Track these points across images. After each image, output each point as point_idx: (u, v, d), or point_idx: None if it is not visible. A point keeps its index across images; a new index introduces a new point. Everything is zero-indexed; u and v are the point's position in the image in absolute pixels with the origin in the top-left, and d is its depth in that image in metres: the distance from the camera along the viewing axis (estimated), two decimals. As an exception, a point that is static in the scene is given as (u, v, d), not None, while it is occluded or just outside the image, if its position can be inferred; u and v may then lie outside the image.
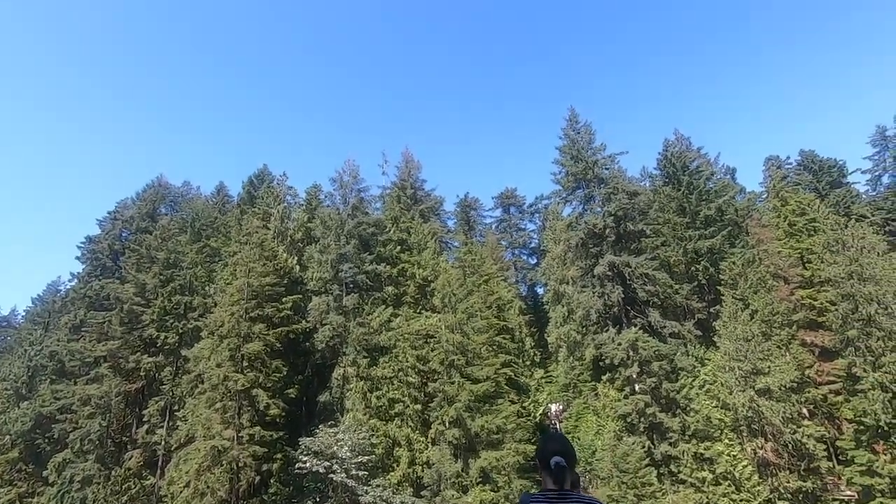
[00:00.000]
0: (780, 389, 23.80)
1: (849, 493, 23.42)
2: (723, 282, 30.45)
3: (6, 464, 29.52)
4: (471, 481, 23.00)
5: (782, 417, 23.41)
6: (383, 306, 30.16)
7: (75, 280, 43.53)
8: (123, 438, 30.11)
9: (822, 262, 27.12)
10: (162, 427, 28.60)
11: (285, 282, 29.36)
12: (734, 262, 30.63)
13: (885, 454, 21.13)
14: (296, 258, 32.33)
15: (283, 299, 28.07)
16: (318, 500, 22.54)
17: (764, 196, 44.10)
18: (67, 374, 34.06)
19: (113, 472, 25.59)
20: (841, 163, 47.66)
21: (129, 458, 26.90)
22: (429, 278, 32.68)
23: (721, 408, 25.72)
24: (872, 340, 22.44)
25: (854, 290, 23.69)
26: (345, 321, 28.95)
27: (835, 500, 22.99)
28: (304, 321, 29.15)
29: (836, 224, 28.15)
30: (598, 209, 33.52)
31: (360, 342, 27.97)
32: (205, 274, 34.96)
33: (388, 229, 35.46)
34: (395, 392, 26.37)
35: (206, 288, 33.40)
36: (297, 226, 35.73)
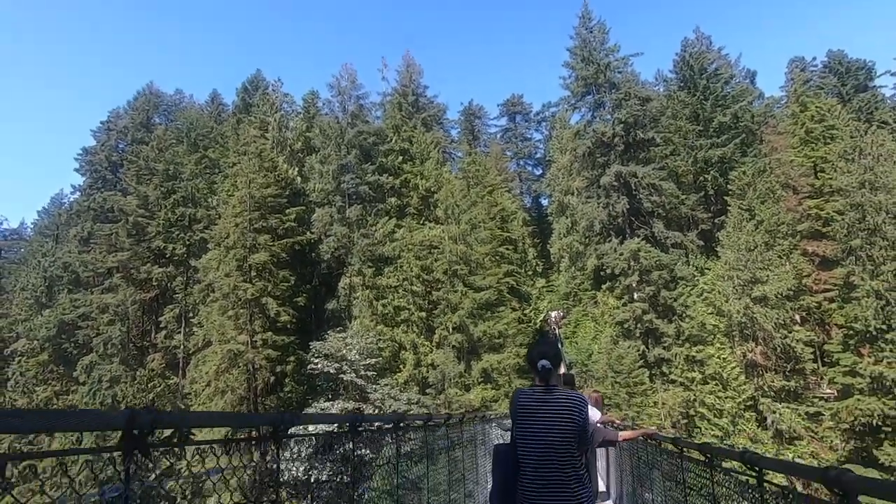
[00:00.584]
0: (776, 297, 24.36)
1: (828, 391, 24.91)
2: (730, 192, 29.99)
3: (38, 365, 31.55)
4: (473, 381, 24.49)
5: (775, 323, 24.22)
6: (386, 217, 30.16)
7: (78, 193, 43.48)
8: (144, 343, 31.81)
9: (835, 170, 26.43)
10: (179, 333, 30.08)
11: (287, 193, 29.14)
12: (744, 172, 29.92)
13: (870, 356, 22.09)
14: (296, 169, 31.80)
15: (286, 211, 28.04)
16: (330, 397, 24.19)
17: (783, 102, 41.96)
18: (83, 284, 35.18)
19: (137, 373, 27.36)
20: (870, 64, 44.74)
21: (152, 361, 28.62)
22: (432, 189, 32.28)
23: (716, 314, 26.54)
24: (875, 250, 22.50)
25: (864, 199, 23.31)
26: (349, 232, 29.13)
27: (815, 397, 24.44)
28: (308, 232, 29.36)
29: (856, 131, 27.03)
30: (608, 116, 32.12)
31: (364, 253, 28.38)
32: (206, 186, 34.66)
33: (389, 139, 34.41)
34: (401, 300, 27.21)
35: (209, 200, 33.28)
36: (296, 135, 34.72)
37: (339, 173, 30.12)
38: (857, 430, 21.55)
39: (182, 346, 28.95)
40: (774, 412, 23.46)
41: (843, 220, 24.51)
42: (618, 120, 30.79)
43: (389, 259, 28.75)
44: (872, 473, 17.97)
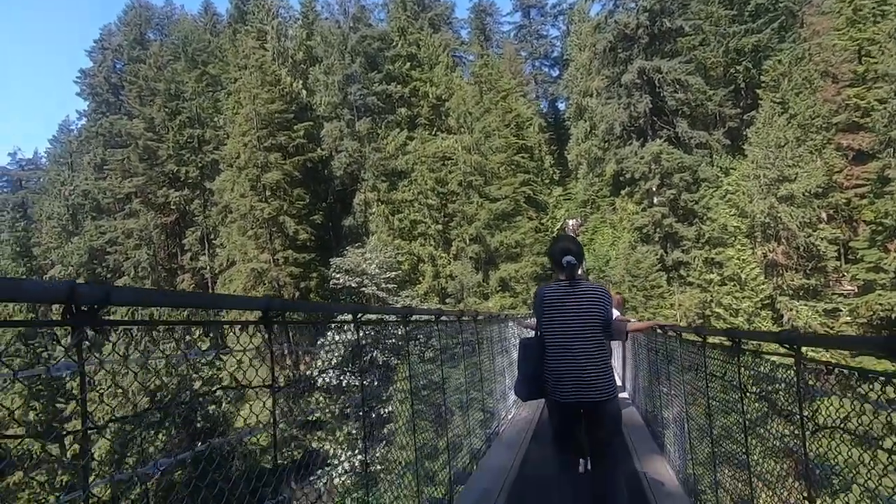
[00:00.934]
0: (803, 195, 23.53)
1: (848, 287, 24.83)
2: (763, 84, 27.92)
3: (77, 290, 33.14)
4: (491, 290, 25.05)
5: (800, 223, 23.62)
6: (397, 129, 29.21)
7: (84, 118, 42.87)
8: (172, 265, 32.91)
9: (882, 53, 24.10)
10: (204, 254, 30.92)
11: (293, 108, 28.14)
12: (780, 61, 27.60)
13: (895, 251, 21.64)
14: (300, 82, 30.43)
15: (294, 127, 27.27)
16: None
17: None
18: (105, 211, 35.80)
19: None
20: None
21: (182, 282, 29.79)
22: (442, 97, 30.83)
23: (739, 216, 25.93)
24: (916, 140, 21.11)
25: (912, 85, 21.44)
26: (360, 147, 28.44)
27: (834, 294, 24.45)
28: (318, 149, 28.76)
29: (912, 6, 24.20)
30: (632, 4, 29.27)
31: (377, 167, 27.89)
32: (210, 104, 33.64)
33: (395, 43, 32.28)
34: (416, 214, 27.15)
35: (215, 119, 32.48)
36: (297, 45, 32.78)
37: (344, 84, 28.76)
38: (874, 324, 21.71)
39: (208, 267, 29.89)
40: (791, 310, 23.67)
41: (884, 109, 22.78)
42: (642, 8, 28.08)
43: (403, 173, 28.29)
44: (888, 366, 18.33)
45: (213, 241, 30.12)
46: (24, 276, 35.45)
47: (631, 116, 29.38)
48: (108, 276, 33.38)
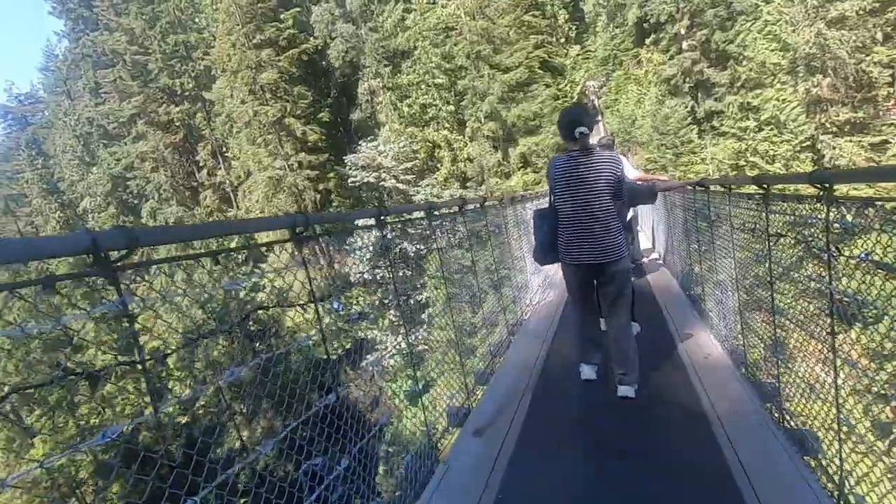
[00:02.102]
0: (857, 14, 20.67)
1: (900, 115, 22.81)
2: None
3: (110, 218, 34.16)
4: (512, 168, 24.27)
5: (851, 48, 21.09)
6: (392, 2, 26.39)
7: (65, 39, 40.58)
8: (192, 184, 33.08)
9: None
10: (220, 168, 30.76)
11: (275, -6, 25.56)
12: None
13: (962, 68, 19.30)
14: (277, -39, 27.17)
15: (281, 17, 24.99)
16: (376, 204, 25.15)
17: None
18: (114, 137, 35.39)
19: (195, 211, 29.18)
20: None
21: (205, 199, 30.12)
22: (436, -45, 27.16)
23: (780, 50, 23.31)
24: None
25: None
26: (355, 29, 26.10)
27: (884, 124, 22.59)
28: (311, 38, 26.59)
29: None
30: None
31: (377, 50, 25.80)
32: (188, 5, 30.96)
33: None
34: (425, 97, 25.58)
35: (197, 20, 30.09)
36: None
37: (325, -44, 25.58)
38: (925, 152, 20.22)
39: (227, 181, 29.90)
40: (834, 148, 22.20)
41: None
42: None
43: (405, 52, 26.13)
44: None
45: (227, 155, 29.72)
46: (58, 212, 36.59)
47: (654, -55, 25.43)
48: (135, 201, 34.05)
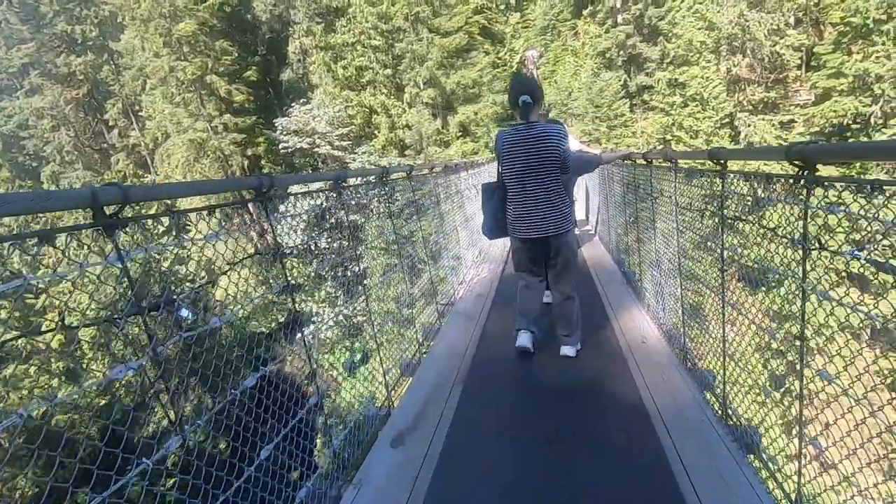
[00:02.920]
0: (774, -2, 21.94)
1: (805, 97, 24.75)
2: None
3: (3, 183, 30.28)
4: (451, 136, 23.96)
5: (768, 30, 22.45)
6: (325, -46, 24.64)
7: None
8: (102, 145, 29.90)
9: None
10: (133, 129, 27.96)
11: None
12: None
13: (859, 53, 21.11)
14: None
15: (199, -40, 22.55)
16: (310, 172, 24.02)
17: None
18: (3, 91, 31.02)
19: (106, 176, 26.46)
20: None
21: (117, 162, 27.36)
22: None
23: (706, 29, 24.35)
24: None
25: None
26: (283, -20, 24.20)
27: (792, 105, 24.43)
28: (233, -13, 24.34)
29: None
30: None
31: (308, 6, 24.11)
32: (88, -61, 27.17)
33: None
34: (361, 59, 24.41)
35: (99, -41, 26.55)
36: None
37: None
38: (825, 131, 22.14)
39: (142, 143, 27.28)
40: (749, 125, 23.77)
41: None
42: None
43: (339, 10, 24.65)
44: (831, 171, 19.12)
45: (140, 114, 26.97)
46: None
47: (594, -86, 25.41)
48: (33, 164, 30.33)
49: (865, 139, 20.76)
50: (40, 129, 27.37)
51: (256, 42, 26.03)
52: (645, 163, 4.05)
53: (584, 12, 28.38)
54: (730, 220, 2.41)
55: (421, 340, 3.97)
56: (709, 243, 2.82)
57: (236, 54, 23.23)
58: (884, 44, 19.98)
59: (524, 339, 3.38)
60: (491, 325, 4.24)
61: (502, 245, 7.16)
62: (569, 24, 30.73)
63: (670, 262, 3.41)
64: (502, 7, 32.84)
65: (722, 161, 2.33)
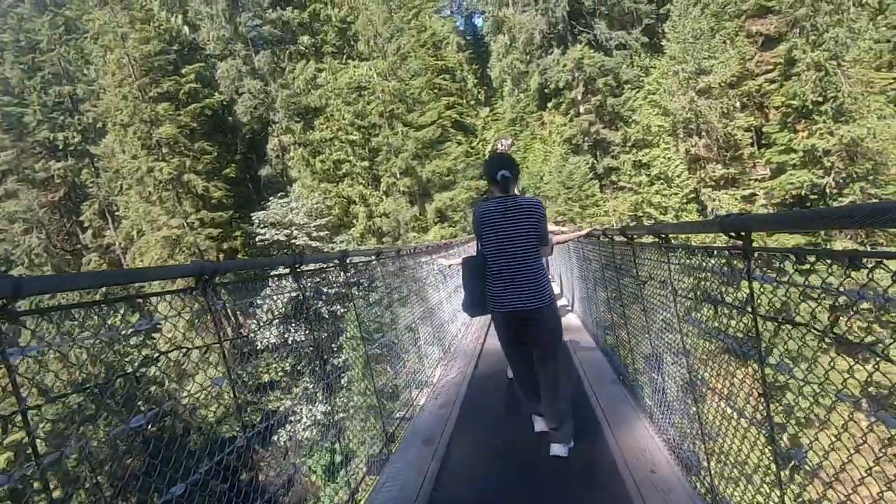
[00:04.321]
0: (720, 86, 23.92)
1: (763, 172, 26.21)
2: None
3: (-35, 290, 29.10)
4: (429, 222, 24.27)
5: (718, 114, 24.19)
6: (303, 62, 26.37)
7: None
8: (74, 247, 29.41)
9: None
10: (108, 229, 27.71)
11: (175, 48, 24.48)
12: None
13: (804, 131, 22.73)
14: (179, 16, 26.34)
15: (182, 71, 23.85)
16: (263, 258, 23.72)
17: None
18: (-23, 196, 30.92)
19: (74, 277, 25.68)
20: None
21: (89, 262, 26.73)
22: (348, 19, 27.91)
23: (662, 114, 26.16)
24: (819, 16, 21.55)
25: (814, -40, 21.53)
26: (264, 86, 25.56)
27: (750, 179, 25.74)
28: (216, 93, 25.57)
29: None
30: None
31: (287, 106, 25.32)
32: (77, 55, 28.72)
33: (283, -40, 28.37)
34: (339, 153, 25.27)
35: (86, 72, 27.88)
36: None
37: (232, 14, 25.19)
38: (786, 202, 23.15)
39: (117, 243, 26.90)
40: (714, 200, 24.76)
41: (790, -11, 22.97)
42: None
43: (317, 109, 25.92)
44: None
45: (117, 214, 26.88)
46: None
47: (549, 23, 28.19)
48: (1, 268, 29.44)
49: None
50: (10, 233, 26.92)
51: (237, 142, 26.90)
52: (626, 242, 3.71)
53: (549, 104, 30.43)
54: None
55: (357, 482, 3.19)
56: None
57: (216, 153, 23.82)
58: (825, 122, 21.58)
59: (541, 424, 3.33)
60: (455, 451, 3.32)
61: (473, 338, 6.74)
62: (535, 116, 32.79)
63: (673, 362, 2.88)
64: (472, 103, 35.08)
65: (663, 235, 2.37)
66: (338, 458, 19.61)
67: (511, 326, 3.09)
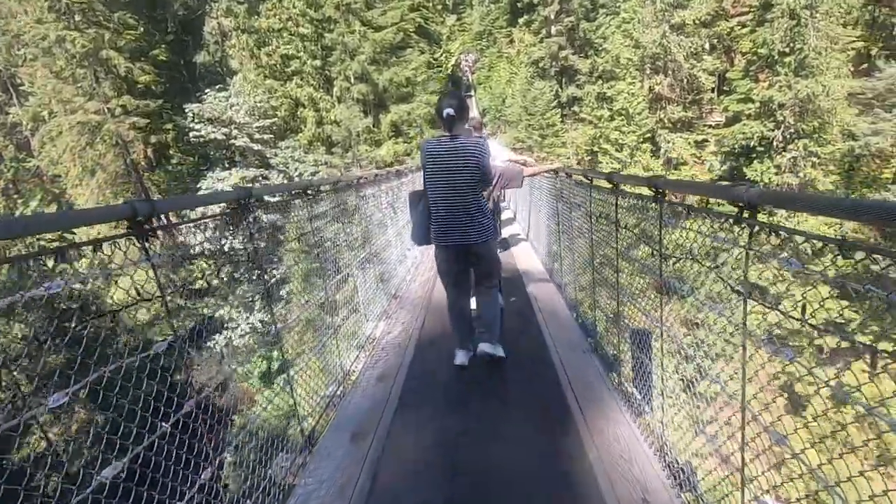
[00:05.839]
0: (693, 23, 23.27)
1: (718, 118, 26.55)
2: None
3: None
4: (383, 135, 22.98)
5: (686, 53, 23.74)
6: (248, -69, 22.72)
7: None
8: (-28, 122, 25.62)
9: None
10: (13, 105, 24.20)
11: None
12: None
13: (765, 81, 22.85)
14: None
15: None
16: (227, 165, 21.94)
17: None
18: None
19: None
20: None
21: (-10, 143, 23.52)
22: None
23: (633, 47, 25.34)
24: (802, -41, 20.89)
25: None
26: (200, -47, 22.00)
27: (705, 125, 26.07)
28: (141, -46, 21.77)
29: None
30: None
31: (229, -16, 22.11)
32: None
33: None
34: (288, 47, 22.74)
35: None
36: None
37: None
38: (735, 151, 23.75)
39: (24, 122, 23.64)
40: (669, 142, 24.99)
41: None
42: None
43: (264, -8, 22.84)
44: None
45: (21, 87, 23.35)
46: None
47: (531, -75, 25.67)
48: None
49: (768, 161, 22.58)
50: None
51: (167, 18, 23.49)
52: (588, 181, 3.77)
53: (520, 20, 28.60)
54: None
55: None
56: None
57: (142, 30, 20.73)
58: (786, 75, 21.71)
59: (461, 358, 3.43)
60: (393, 453, 2.61)
61: (421, 282, 6.27)
62: (504, 32, 30.90)
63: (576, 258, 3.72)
64: (439, 7, 32.35)
65: (661, 190, 2.29)
66: (274, 366, 19.76)
67: (450, 260, 3.27)
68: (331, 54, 22.61)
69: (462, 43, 33.23)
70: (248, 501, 2.14)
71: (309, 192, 3.31)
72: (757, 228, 1.50)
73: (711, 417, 2.02)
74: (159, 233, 1.63)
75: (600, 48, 25.67)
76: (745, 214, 1.54)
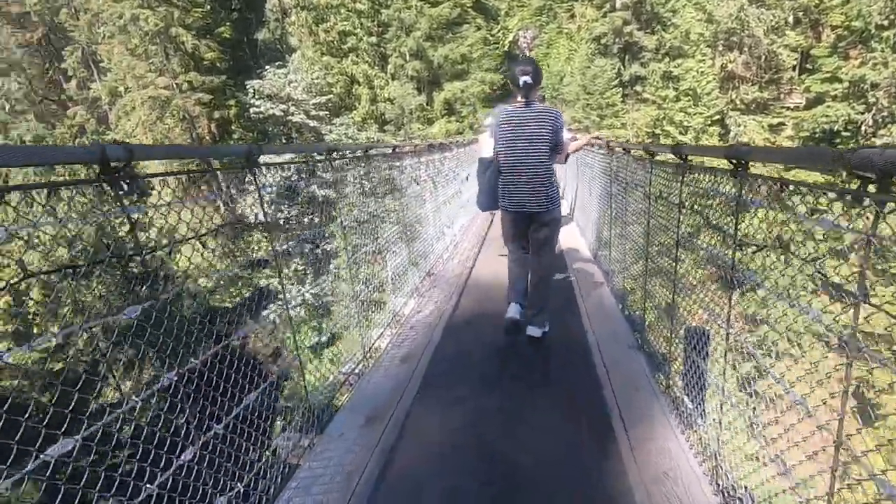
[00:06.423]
0: (777, -6, 21.28)
1: (797, 100, 24.35)
2: None
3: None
4: (435, 114, 22.79)
5: (767, 27, 21.81)
6: None
7: None
8: (60, 96, 27.67)
9: None
10: (94, 80, 25.84)
11: None
12: None
13: (857, 59, 20.68)
14: None
15: None
16: (284, 141, 22.57)
17: None
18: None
19: (58, 130, 24.44)
20: None
21: (74, 115, 25.31)
22: None
23: (705, 21, 23.56)
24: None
25: None
26: (264, -69, 22.32)
27: (783, 107, 24.02)
28: (209, -67, 22.37)
29: None
30: None
31: (290, -39, 22.37)
32: None
33: None
34: (345, 23, 22.85)
35: None
36: None
37: None
38: (815, 136, 21.79)
39: (103, 97, 25.23)
40: (740, 125, 23.27)
41: None
42: None
43: (324, -32, 22.92)
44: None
45: (102, 64, 24.86)
46: None
47: None
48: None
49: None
50: (-12, 73, 25.05)
51: (233, -3, 24.19)
52: (621, 151, 3.99)
53: (582, -6, 27.25)
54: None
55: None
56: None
57: (208, 7, 21.43)
58: (882, 51, 19.54)
59: (513, 310, 3.48)
60: (410, 441, 2.44)
61: (460, 261, 6.08)
62: (566, 6, 29.55)
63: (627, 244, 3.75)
64: (498, -19, 31.37)
65: (743, 161, 1.94)
66: (324, 339, 20.36)
67: (516, 225, 3.42)
68: (387, 31, 22.53)
69: (521, 19, 32.12)
70: (244, 472, 2.09)
71: (335, 154, 3.23)
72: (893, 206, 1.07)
73: (790, 441, 1.65)
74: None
75: (668, 23, 24.04)
76: (871, 189, 1.12)
